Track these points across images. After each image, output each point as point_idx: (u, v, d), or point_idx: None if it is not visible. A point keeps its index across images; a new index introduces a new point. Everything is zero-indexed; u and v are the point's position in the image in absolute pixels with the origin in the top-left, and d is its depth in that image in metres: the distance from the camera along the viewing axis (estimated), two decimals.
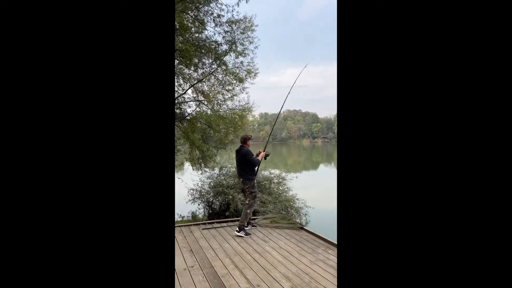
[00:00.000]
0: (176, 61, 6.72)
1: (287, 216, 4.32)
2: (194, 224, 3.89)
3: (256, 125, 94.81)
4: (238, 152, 3.64)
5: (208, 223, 3.94)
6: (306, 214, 7.05)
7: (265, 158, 3.68)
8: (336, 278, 2.37)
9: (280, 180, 7.13)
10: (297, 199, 6.95)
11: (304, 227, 3.82)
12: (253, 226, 3.82)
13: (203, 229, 3.70)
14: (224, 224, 3.92)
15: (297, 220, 6.95)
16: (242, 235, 3.42)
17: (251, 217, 4.23)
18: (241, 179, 3.60)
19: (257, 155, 3.64)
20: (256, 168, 3.62)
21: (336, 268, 2.57)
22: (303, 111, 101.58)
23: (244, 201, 3.63)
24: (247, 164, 3.55)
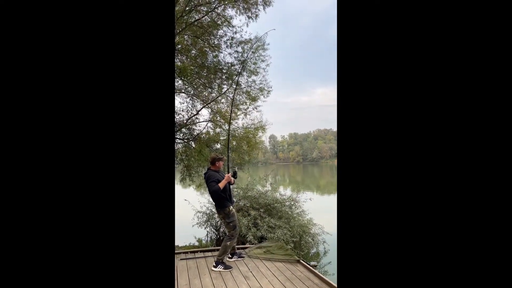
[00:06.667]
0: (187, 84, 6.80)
1: (284, 245, 3.66)
2: (177, 253, 3.44)
3: (286, 146, 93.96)
4: (204, 176, 3.05)
5: (191, 252, 3.46)
6: (324, 242, 6.19)
7: (234, 177, 3.01)
8: None
9: (292, 202, 6.43)
10: (314, 224, 6.16)
11: (301, 260, 3.15)
12: (240, 257, 3.24)
13: (181, 259, 3.21)
14: (209, 254, 3.41)
15: (313, 249, 6.13)
16: (220, 269, 2.87)
17: (242, 246, 3.67)
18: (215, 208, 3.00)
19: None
20: (227, 194, 2.93)
21: None
22: (333, 130, 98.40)
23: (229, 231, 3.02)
24: (209, 191, 2.89)
